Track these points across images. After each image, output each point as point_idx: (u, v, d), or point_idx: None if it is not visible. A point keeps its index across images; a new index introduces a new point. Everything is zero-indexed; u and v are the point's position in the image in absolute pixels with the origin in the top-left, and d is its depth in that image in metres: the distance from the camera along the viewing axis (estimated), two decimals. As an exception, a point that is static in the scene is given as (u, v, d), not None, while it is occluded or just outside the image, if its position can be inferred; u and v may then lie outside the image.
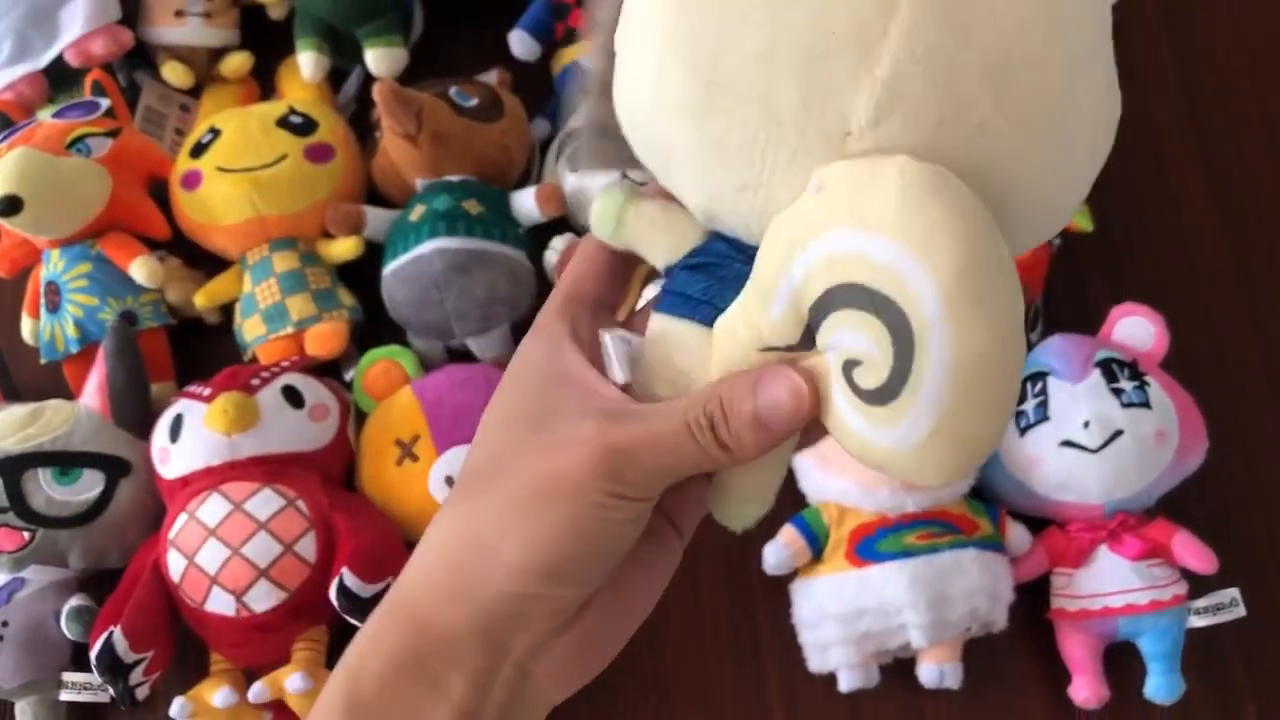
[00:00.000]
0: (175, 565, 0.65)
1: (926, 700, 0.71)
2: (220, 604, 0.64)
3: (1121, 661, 0.70)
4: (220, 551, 0.64)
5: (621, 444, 0.31)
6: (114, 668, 0.62)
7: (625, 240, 0.35)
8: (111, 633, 0.62)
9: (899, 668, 0.70)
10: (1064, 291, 0.81)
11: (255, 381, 0.69)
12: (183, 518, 0.65)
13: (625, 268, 0.37)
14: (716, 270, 0.33)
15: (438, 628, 0.32)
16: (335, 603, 0.62)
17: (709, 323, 0.33)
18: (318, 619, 0.66)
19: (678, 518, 0.36)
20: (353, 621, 0.63)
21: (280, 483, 0.66)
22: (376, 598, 0.62)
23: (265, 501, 0.65)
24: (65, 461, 0.68)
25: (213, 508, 0.65)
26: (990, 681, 0.71)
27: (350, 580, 0.62)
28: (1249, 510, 0.77)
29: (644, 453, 0.31)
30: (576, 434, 0.31)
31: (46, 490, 0.68)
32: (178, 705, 0.64)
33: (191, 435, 0.67)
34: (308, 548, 0.65)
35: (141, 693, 0.64)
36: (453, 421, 0.69)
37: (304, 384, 0.71)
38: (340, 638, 0.67)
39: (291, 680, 0.63)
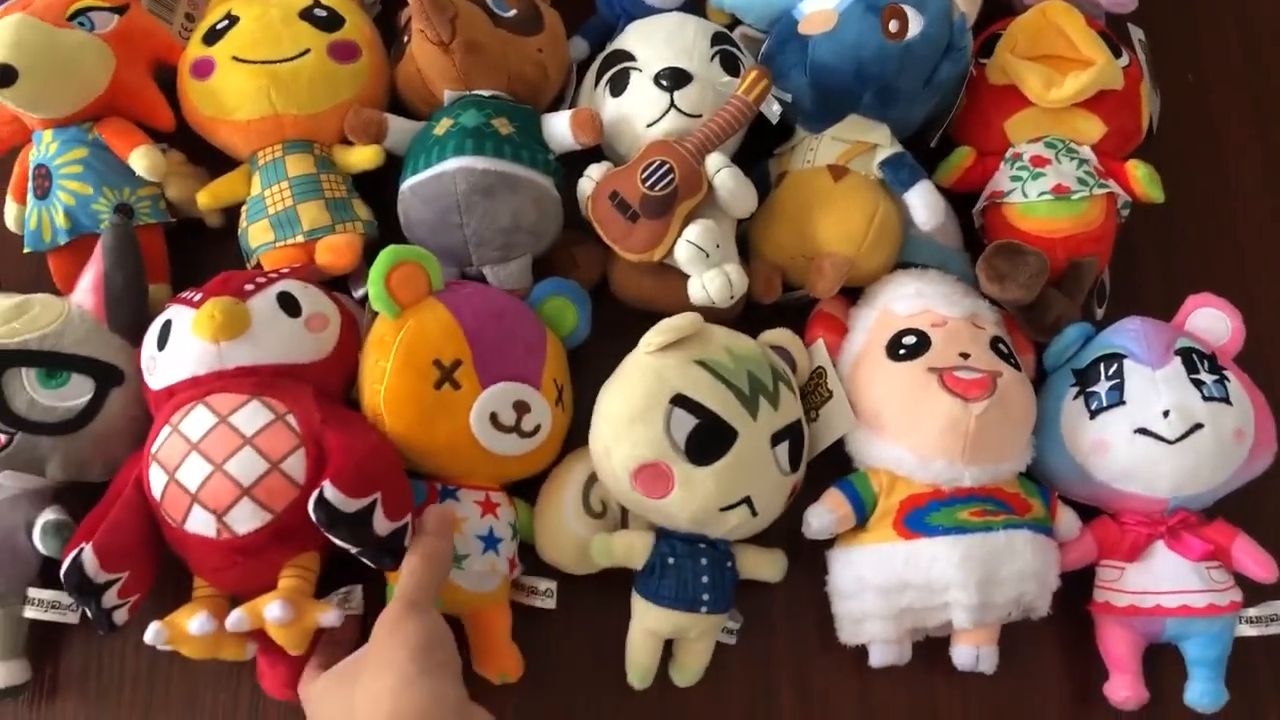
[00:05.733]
0: (157, 481, 0.60)
1: (940, 683, 0.68)
2: (200, 524, 0.59)
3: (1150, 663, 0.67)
4: (202, 467, 0.59)
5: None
6: (82, 587, 0.57)
7: (615, 560, 0.65)
8: (81, 550, 0.57)
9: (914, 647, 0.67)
10: (1119, 269, 0.76)
11: (249, 287, 0.64)
12: (165, 430, 0.61)
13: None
14: (678, 573, 0.64)
15: None
16: (313, 516, 0.56)
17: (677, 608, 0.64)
18: (308, 545, 0.61)
19: None
20: (335, 540, 0.57)
21: (270, 395, 0.61)
22: (359, 514, 0.57)
23: (253, 415, 0.60)
24: (53, 363, 0.63)
25: (197, 420, 0.60)
26: (1009, 671, 0.67)
27: (331, 493, 0.56)
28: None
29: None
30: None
31: (30, 392, 0.63)
32: (152, 631, 0.59)
33: (178, 343, 0.62)
34: (296, 466, 0.59)
35: (119, 617, 0.59)
36: (497, 353, 0.64)
37: (302, 291, 0.65)
38: (334, 565, 0.62)
39: (270, 609, 0.58)
